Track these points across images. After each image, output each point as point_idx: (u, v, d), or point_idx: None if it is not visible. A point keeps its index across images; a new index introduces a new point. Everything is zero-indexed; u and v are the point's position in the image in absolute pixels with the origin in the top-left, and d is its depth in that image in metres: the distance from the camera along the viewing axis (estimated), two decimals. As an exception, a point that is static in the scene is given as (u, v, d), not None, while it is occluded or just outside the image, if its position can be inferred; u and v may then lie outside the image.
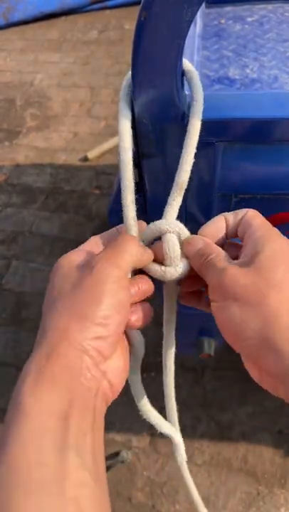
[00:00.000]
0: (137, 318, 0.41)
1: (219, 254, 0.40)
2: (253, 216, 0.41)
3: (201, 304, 0.46)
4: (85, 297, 0.35)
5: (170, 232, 0.42)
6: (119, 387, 0.39)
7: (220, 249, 0.41)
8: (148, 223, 0.45)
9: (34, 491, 0.28)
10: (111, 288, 0.36)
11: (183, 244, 0.43)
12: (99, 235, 0.44)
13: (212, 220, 0.43)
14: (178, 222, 0.43)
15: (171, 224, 0.42)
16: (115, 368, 0.38)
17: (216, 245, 0.42)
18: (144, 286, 0.42)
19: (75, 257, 0.40)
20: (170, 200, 0.44)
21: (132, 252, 0.39)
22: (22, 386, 0.32)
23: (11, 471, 0.28)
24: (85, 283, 0.36)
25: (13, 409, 0.31)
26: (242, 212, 0.42)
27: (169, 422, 0.57)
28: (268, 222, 0.41)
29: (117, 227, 0.46)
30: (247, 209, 0.42)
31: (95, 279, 0.36)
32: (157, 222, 0.43)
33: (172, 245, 0.42)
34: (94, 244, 0.43)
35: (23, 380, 0.33)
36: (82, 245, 0.43)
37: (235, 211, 0.42)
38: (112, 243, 0.40)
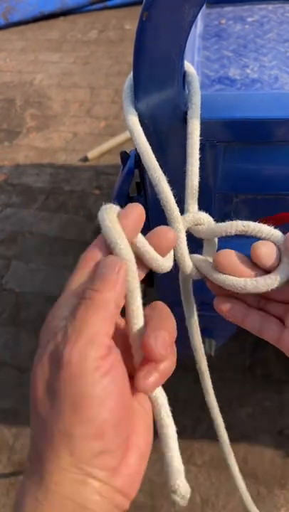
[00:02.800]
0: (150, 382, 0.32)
1: None
2: None
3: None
4: (63, 407, 0.28)
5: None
6: (134, 492, 0.32)
7: None
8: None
9: None
10: (91, 381, 0.28)
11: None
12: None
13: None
14: None
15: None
16: (129, 473, 0.31)
17: None
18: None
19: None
20: (189, 207, 0.43)
21: (106, 315, 0.30)
22: None
23: None
24: (58, 386, 0.28)
25: None
26: None
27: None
28: None
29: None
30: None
31: (68, 377, 0.28)
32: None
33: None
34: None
35: None
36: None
37: None
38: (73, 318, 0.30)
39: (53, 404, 0.28)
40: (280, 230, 0.39)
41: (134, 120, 0.46)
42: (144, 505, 1.21)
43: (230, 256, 0.37)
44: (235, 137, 0.55)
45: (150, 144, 0.54)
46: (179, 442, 0.35)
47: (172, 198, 0.41)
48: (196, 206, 0.43)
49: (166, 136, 0.53)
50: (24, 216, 2.06)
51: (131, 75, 0.48)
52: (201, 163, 0.45)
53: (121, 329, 0.35)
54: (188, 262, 0.41)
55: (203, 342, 1.05)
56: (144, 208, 0.42)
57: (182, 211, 0.42)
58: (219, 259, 0.37)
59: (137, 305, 0.33)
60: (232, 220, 0.39)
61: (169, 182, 0.42)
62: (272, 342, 0.37)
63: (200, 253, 0.42)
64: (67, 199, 2.11)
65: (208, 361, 0.64)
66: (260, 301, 0.39)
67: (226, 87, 0.94)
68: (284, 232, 0.38)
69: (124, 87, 0.49)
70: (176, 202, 0.41)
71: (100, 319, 0.29)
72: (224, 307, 0.39)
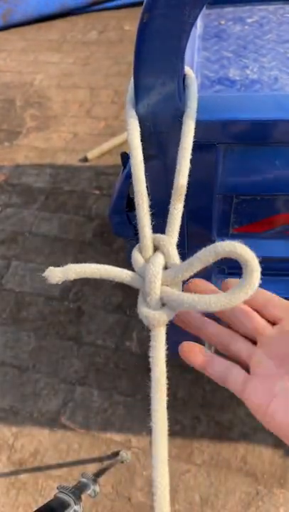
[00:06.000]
0: None
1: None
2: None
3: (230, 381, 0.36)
4: None
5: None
6: None
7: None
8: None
9: None
10: None
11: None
12: None
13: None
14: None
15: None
16: None
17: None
18: None
19: None
20: (171, 208, 0.42)
21: None
22: None
23: None
24: None
25: None
26: None
27: None
28: None
29: None
30: None
31: None
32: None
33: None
34: None
35: None
36: None
37: None
38: None
39: None
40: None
41: (133, 123, 0.46)
42: (144, 504, 1.21)
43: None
44: (235, 138, 0.56)
45: (150, 144, 0.54)
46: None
47: (149, 226, 0.41)
48: (180, 206, 0.42)
49: (167, 137, 0.53)
50: (24, 216, 2.06)
51: (131, 84, 0.48)
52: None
53: None
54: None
55: (204, 343, 1.05)
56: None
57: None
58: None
59: None
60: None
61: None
62: (236, 393, 0.35)
63: None
64: (67, 199, 2.11)
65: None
66: (223, 338, 0.38)
67: (225, 87, 0.94)
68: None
69: (128, 91, 0.49)
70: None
71: None
72: (195, 359, 0.39)
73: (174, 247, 0.41)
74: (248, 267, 0.33)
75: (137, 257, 0.41)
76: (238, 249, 0.33)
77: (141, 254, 0.42)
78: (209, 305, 0.34)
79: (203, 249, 0.36)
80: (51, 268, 0.39)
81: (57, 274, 0.38)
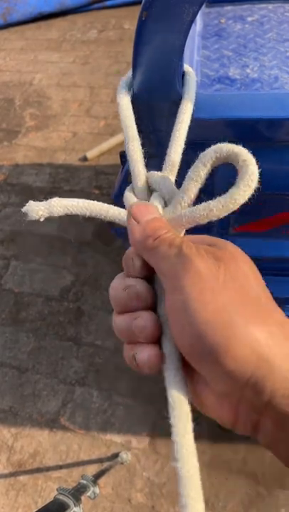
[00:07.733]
0: None
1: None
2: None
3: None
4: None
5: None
6: None
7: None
8: None
9: None
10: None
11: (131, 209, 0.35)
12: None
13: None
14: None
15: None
16: None
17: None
18: None
19: None
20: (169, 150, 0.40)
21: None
22: None
23: None
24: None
25: None
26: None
27: None
28: None
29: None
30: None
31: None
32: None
33: None
34: None
35: None
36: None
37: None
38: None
39: None
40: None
41: (124, 99, 0.44)
42: (144, 505, 1.21)
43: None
44: (235, 137, 0.55)
45: (149, 143, 0.54)
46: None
47: (142, 163, 0.38)
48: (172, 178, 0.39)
49: (166, 136, 0.53)
50: (23, 216, 2.06)
51: (129, 73, 0.47)
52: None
53: None
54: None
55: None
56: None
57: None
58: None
59: None
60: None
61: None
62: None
63: None
64: (67, 199, 2.10)
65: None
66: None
67: (225, 86, 0.94)
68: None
69: (120, 82, 0.49)
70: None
71: None
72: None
73: (172, 183, 0.37)
74: (243, 160, 0.30)
75: (128, 195, 0.38)
76: (231, 147, 0.30)
77: (134, 194, 0.38)
78: (210, 210, 0.31)
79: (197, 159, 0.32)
80: (31, 202, 0.35)
81: (39, 208, 0.35)
